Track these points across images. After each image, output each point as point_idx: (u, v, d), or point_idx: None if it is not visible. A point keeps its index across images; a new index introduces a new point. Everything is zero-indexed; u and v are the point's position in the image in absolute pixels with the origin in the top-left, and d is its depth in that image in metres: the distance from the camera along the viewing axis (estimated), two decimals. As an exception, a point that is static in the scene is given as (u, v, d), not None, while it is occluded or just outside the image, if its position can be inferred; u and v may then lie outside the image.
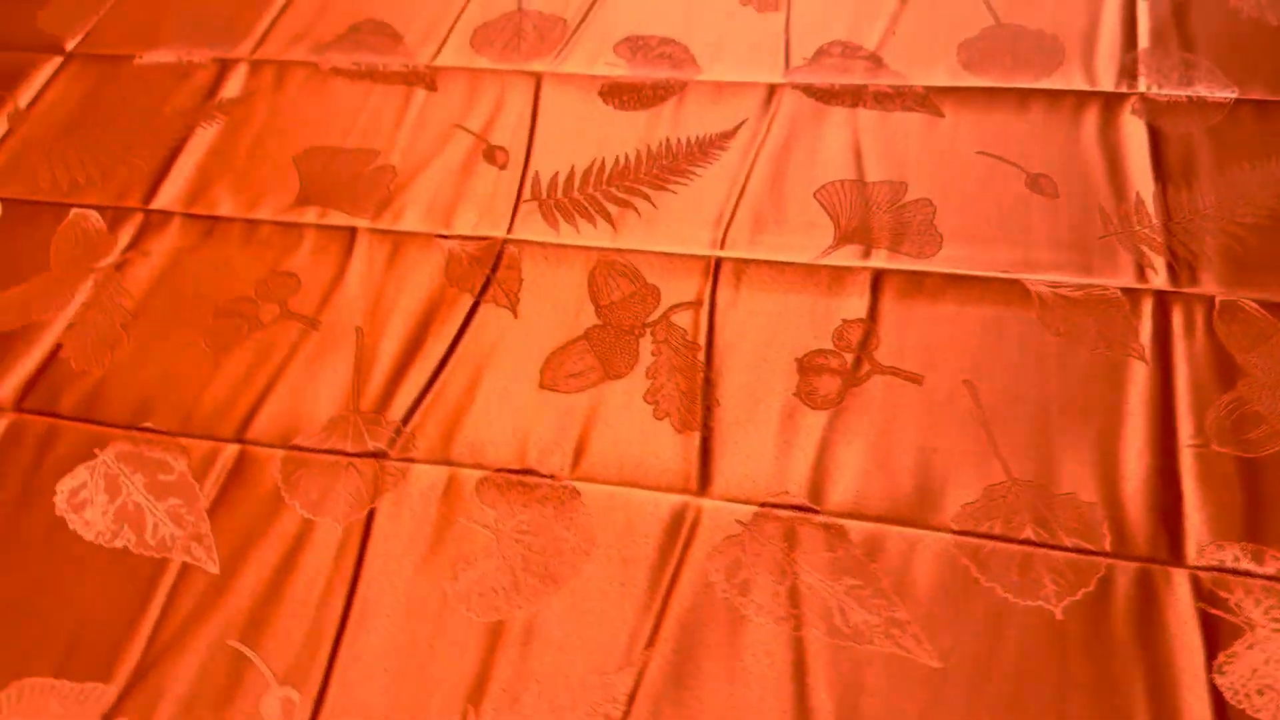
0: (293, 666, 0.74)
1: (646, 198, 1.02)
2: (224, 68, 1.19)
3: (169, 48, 1.22)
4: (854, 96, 1.09)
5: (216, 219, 1.04)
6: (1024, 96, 1.07)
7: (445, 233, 1.01)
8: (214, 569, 0.80)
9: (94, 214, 1.05)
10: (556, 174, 1.05)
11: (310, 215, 1.03)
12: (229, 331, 0.94)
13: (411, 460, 0.85)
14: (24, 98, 1.17)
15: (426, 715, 0.71)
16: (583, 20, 1.21)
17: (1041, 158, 1.01)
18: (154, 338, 0.94)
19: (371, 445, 0.86)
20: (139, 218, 1.04)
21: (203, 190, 1.06)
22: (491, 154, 1.08)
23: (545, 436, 0.85)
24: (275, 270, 0.99)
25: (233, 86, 1.17)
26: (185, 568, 0.80)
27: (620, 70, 1.15)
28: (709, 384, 0.87)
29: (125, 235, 1.03)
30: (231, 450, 0.86)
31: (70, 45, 1.23)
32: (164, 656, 0.75)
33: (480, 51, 1.19)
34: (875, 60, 1.12)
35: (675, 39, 1.18)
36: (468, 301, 0.95)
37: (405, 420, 0.87)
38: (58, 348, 0.94)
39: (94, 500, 0.84)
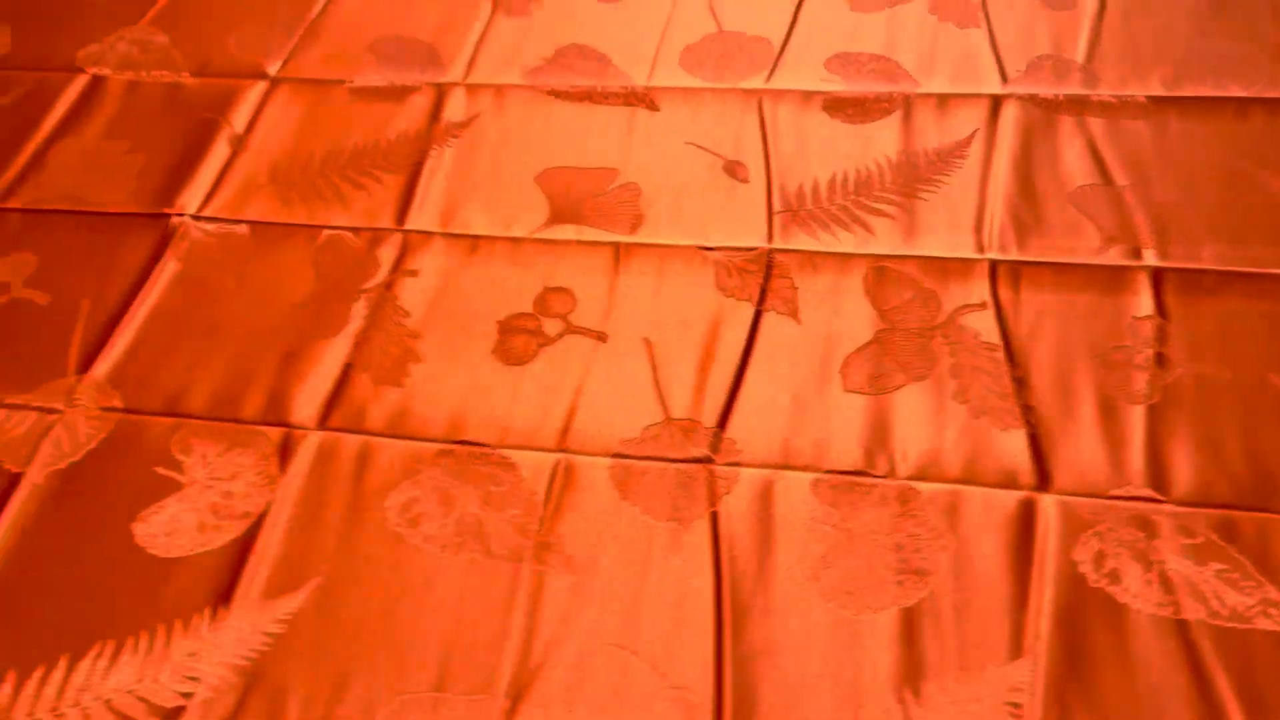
0: (684, 667, 0.74)
1: (899, 206, 1.04)
2: (441, 91, 1.20)
3: (377, 72, 1.23)
4: (1078, 106, 1.12)
5: (478, 238, 1.04)
6: (1242, 105, 1.11)
7: (709, 245, 1.02)
8: (571, 575, 0.80)
9: (349, 234, 1.05)
10: (802, 185, 1.07)
11: (568, 232, 1.04)
12: (519, 346, 0.95)
13: (739, 464, 0.85)
14: (239, 122, 1.17)
15: (860, 702, 0.72)
16: (786, 40, 1.24)
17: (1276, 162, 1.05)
18: (446, 355, 0.95)
19: (695, 451, 0.86)
20: (397, 238, 1.05)
21: (454, 210, 1.07)
22: (732, 169, 1.10)
23: (865, 438, 0.86)
24: (547, 286, 0.99)
25: (454, 110, 1.18)
26: (540, 575, 0.80)
27: (837, 85, 1.17)
28: (1019, 384, 0.89)
29: (386, 255, 1.03)
30: (557, 460, 0.86)
31: (272, 70, 1.24)
32: (544, 665, 0.75)
33: (692, 72, 1.21)
34: (1088, 72, 1.16)
35: (884, 55, 1.21)
36: (748, 310, 0.96)
37: (721, 425, 0.88)
38: (348, 367, 0.94)
39: (429, 514, 0.84)
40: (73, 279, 1.02)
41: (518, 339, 0.96)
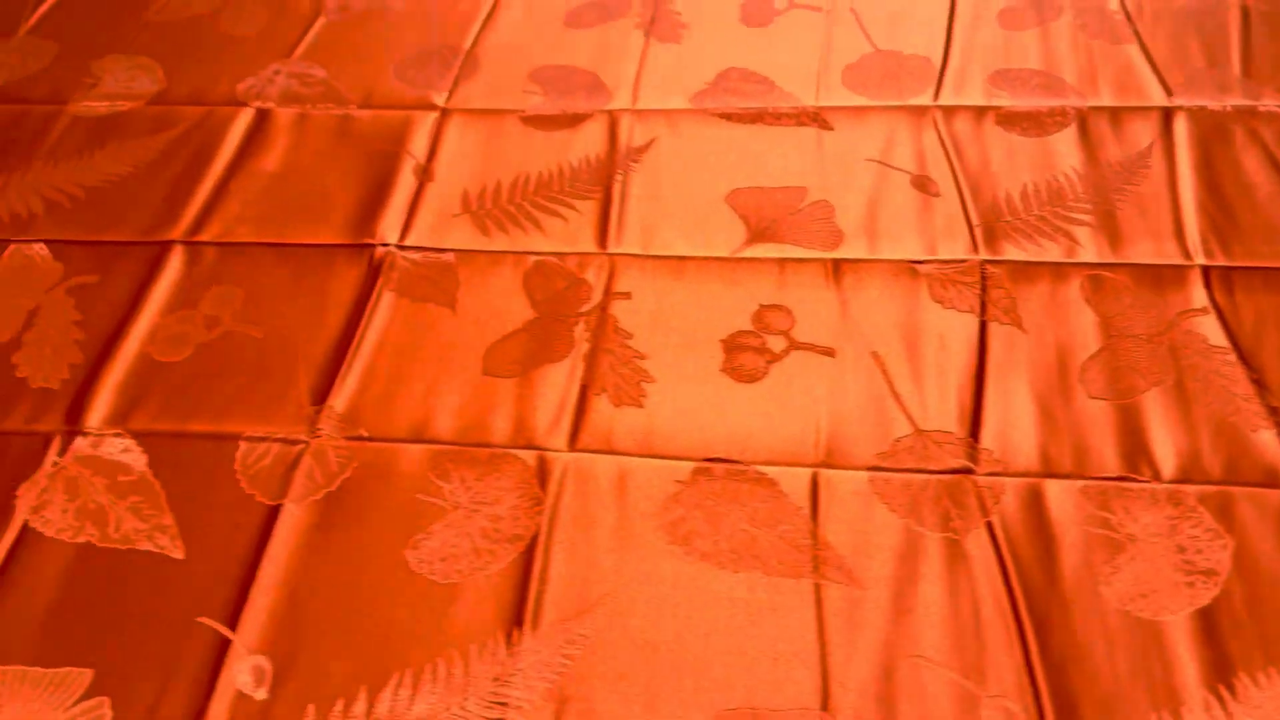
0: (996, 676, 0.74)
1: (1096, 215, 1.06)
2: (612, 118, 1.21)
3: (545, 100, 1.24)
4: (1247, 116, 1.15)
5: (681, 259, 1.05)
6: None
7: (918, 258, 1.03)
8: (851, 588, 0.80)
9: (554, 259, 1.05)
10: (995, 198, 1.09)
11: (769, 250, 1.05)
12: (749, 364, 0.95)
13: (1001, 474, 0.86)
14: (418, 151, 1.18)
15: (1180, 699, 0.72)
16: (945, 57, 1.26)
17: None
18: (677, 374, 0.95)
19: (953, 462, 0.87)
20: (602, 261, 1.05)
21: (652, 232, 1.08)
22: (921, 184, 1.11)
23: (1121, 443, 0.87)
24: (762, 304, 1.00)
25: (630, 135, 1.19)
26: (821, 589, 0.80)
27: (1005, 101, 1.19)
28: (1259, 385, 0.90)
29: (594, 279, 1.04)
30: (813, 474, 0.87)
31: (440, 100, 1.25)
32: (849, 678, 0.75)
33: (858, 91, 1.23)
34: (1247, 83, 1.18)
35: (1044, 70, 1.23)
36: (970, 321, 0.98)
37: (974, 435, 0.89)
38: (584, 389, 0.94)
39: (700, 532, 0.84)
40: (283, 311, 1.02)
41: (745, 356, 0.96)
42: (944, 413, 0.91)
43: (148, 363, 0.97)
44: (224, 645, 0.79)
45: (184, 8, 1.41)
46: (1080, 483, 0.85)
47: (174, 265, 1.06)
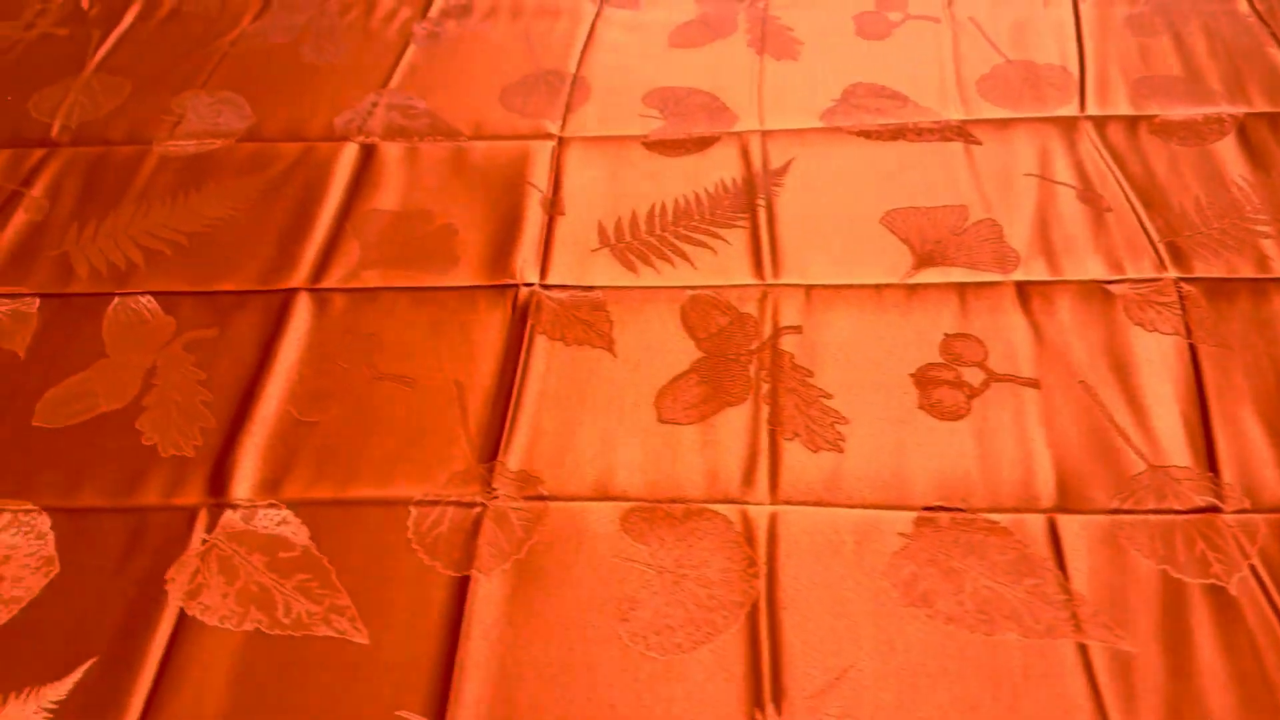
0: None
1: (1278, 225, 1.00)
2: (742, 140, 1.14)
3: (665, 124, 1.17)
4: None
5: (845, 287, 0.98)
6: None
7: (1106, 278, 0.96)
8: (1120, 645, 0.72)
9: (708, 293, 0.98)
10: (1169, 210, 1.03)
11: (942, 275, 0.98)
12: (948, 400, 0.88)
13: (1251, 510, 0.79)
14: (541, 183, 1.10)
15: None
16: (1082, 65, 1.20)
17: None
18: (870, 414, 0.88)
19: (1198, 500, 0.80)
20: (763, 292, 0.98)
21: (808, 260, 1.01)
22: (1089, 198, 1.05)
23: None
24: (947, 333, 0.93)
25: (767, 157, 1.12)
26: (1085, 648, 0.72)
27: (1155, 110, 1.13)
28: None
29: (755, 310, 0.97)
30: (1048, 520, 0.79)
31: (553, 128, 1.17)
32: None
33: (998, 103, 1.17)
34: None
35: (1186, 77, 1.18)
36: (1179, 344, 0.91)
37: (1213, 469, 0.82)
38: (774, 433, 0.86)
39: (938, 590, 0.76)
40: (428, 360, 0.94)
41: (942, 391, 0.89)
42: (1174, 445, 0.84)
43: (290, 422, 0.89)
44: (431, 743, 0.70)
45: (260, 38, 1.33)
46: (1346, 516, 0.78)
47: (301, 315, 0.97)
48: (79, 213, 1.10)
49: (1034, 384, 0.89)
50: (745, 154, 1.13)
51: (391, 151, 1.15)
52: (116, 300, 1.00)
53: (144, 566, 0.79)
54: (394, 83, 1.25)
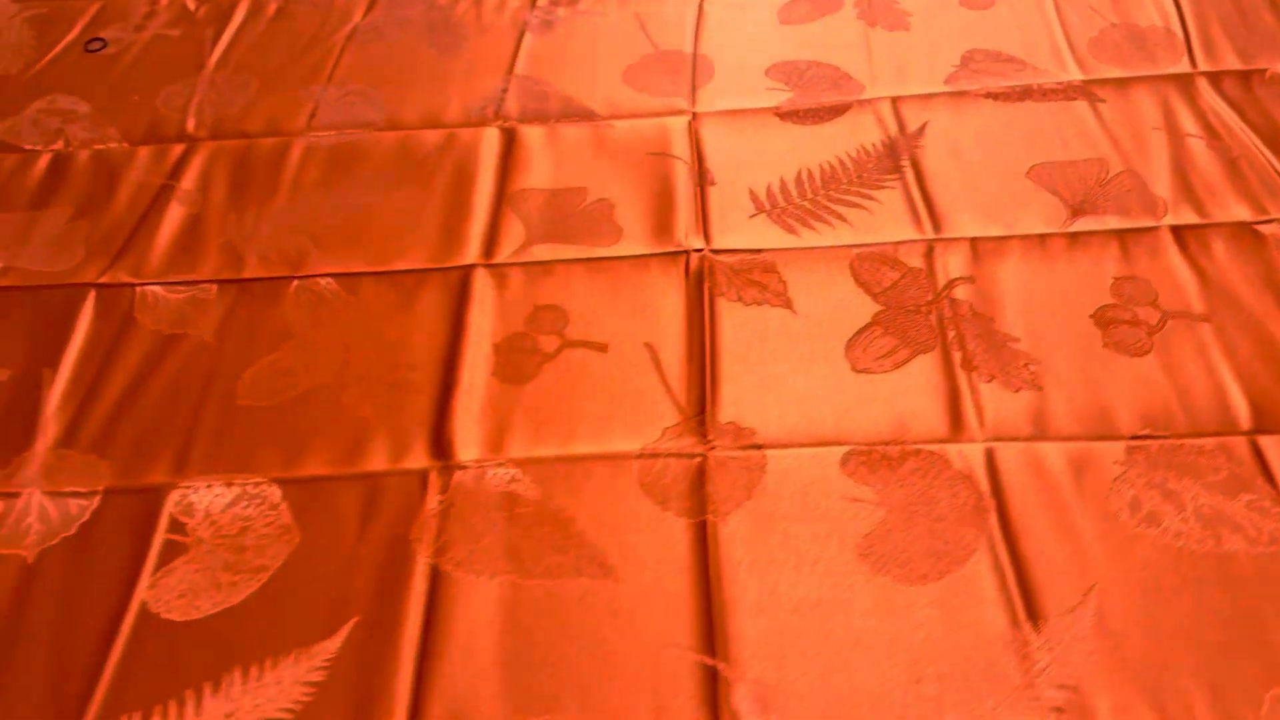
0: None
1: None
2: (873, 106, 1.18)
3: (794, 96, 1.20)
4: None
5: (1009, 238, 1.01)
6: None
7: (1257, 219, 1.01)
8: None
9: (874, 250, 1.01)
10: (1293, 156, 1.07)
11: (1099, 223, 1.02)
12: (1128, 336, 0.92)
13: None
14: (684, 156, 1.13)
15: None
16: (1184, 24, 1.25)
17: None
18: (1059, 354, 0.91)
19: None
20: (927, 247, 1.02)
21: (965, 215, 1.04)
22: (1216, 147, 1.10)
23: None
24: (1116, 276, 0.97)
25: (903, 121, 1.16)
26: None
27: (1264, 64, 1.18)
28: None
29: (922, 263, 1.00)
30: (1256, 441, 0.83)
31: (682, 104, 1.20)
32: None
33: (1111, 63, 1.21)
34: None
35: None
36: (1336, 284, 0.95)
37: None
38: (971, 376, 0.90)
39: (1163, 510, 0.79)
40: (615, 325, 0.97)
41: (1122, 330, 0.93)
42: (1354, 370, 0.88)
43: (498, 390, 0.91)
44: (708, 675, 0.72)
45: (374, 32, 1.35)
46: None
47: (483, 289, 1.00)
48: (235, 203, 1.11)
49: (1206, 319, 0.93)
50: (880, 119, 1.16)
51: (532, 134, 1.18)
52: (296, 283, 1.02)
53: (386, 527, 0.81)
54: (519, 69, 1.27)
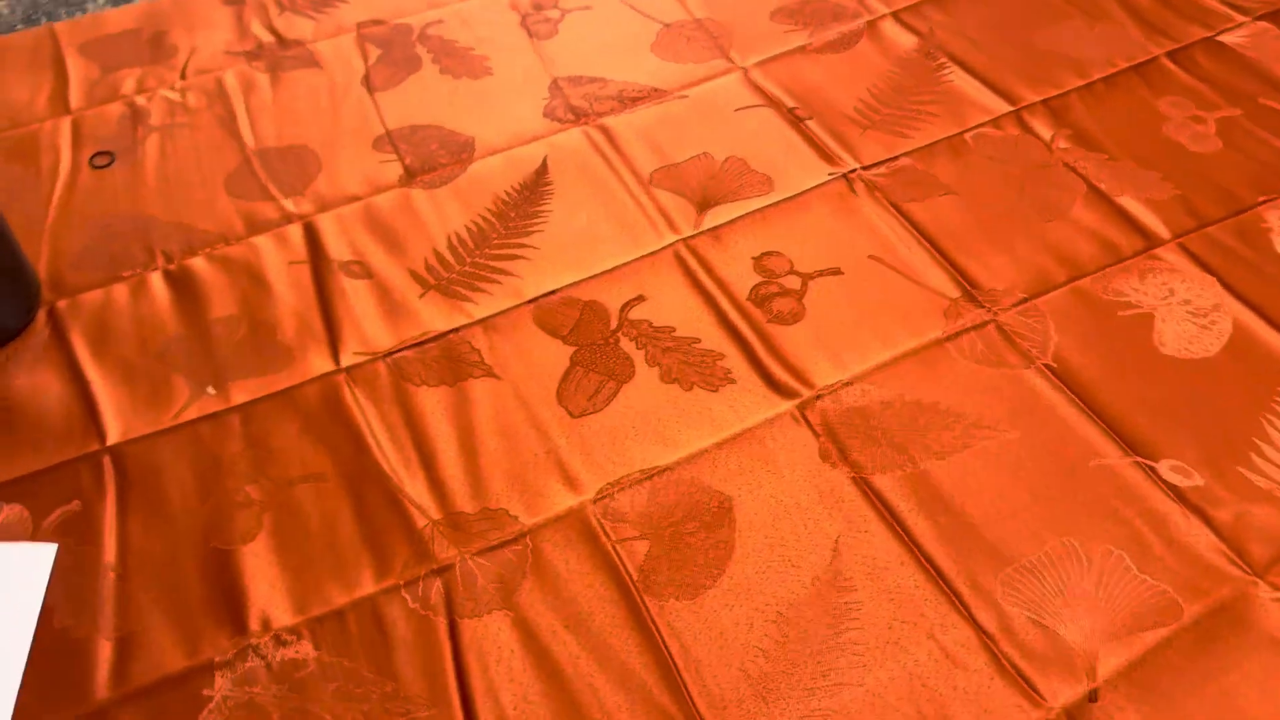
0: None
1: None
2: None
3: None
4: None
5: (639, 260, 1.10)
6: None
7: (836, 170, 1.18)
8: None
9: (562, 295, 1.07)
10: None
11: (721, 215, 1.14)
12: (786, 308, 1.05)
13: None
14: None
15: None
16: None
17: None
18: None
19: None
20: (590, 283, 1.08)
21: (600, 242, 1.12)
22: (789, 117, 1.26)
23: None
24: (754, 256, 1.10)
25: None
26: None
27: (803, 42, 1.37)
28: None
29: (600, 297, 1.06)
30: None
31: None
32: None
33: (676, 61, 1.34)
34: None
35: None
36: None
37: None
38: (679, 382, 0.98)
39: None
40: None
41: (776, 302, 1.05)
42: None
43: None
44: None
45: None
46: None
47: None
48: None
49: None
50: (511, 164, 1.20)
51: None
52: None
53: None
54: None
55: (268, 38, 1.37)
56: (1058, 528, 0.85)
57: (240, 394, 0.97)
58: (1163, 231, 1.07)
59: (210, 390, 0.96)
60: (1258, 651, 0.76)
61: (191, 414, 0.95)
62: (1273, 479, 0.87)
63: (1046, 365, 0.96)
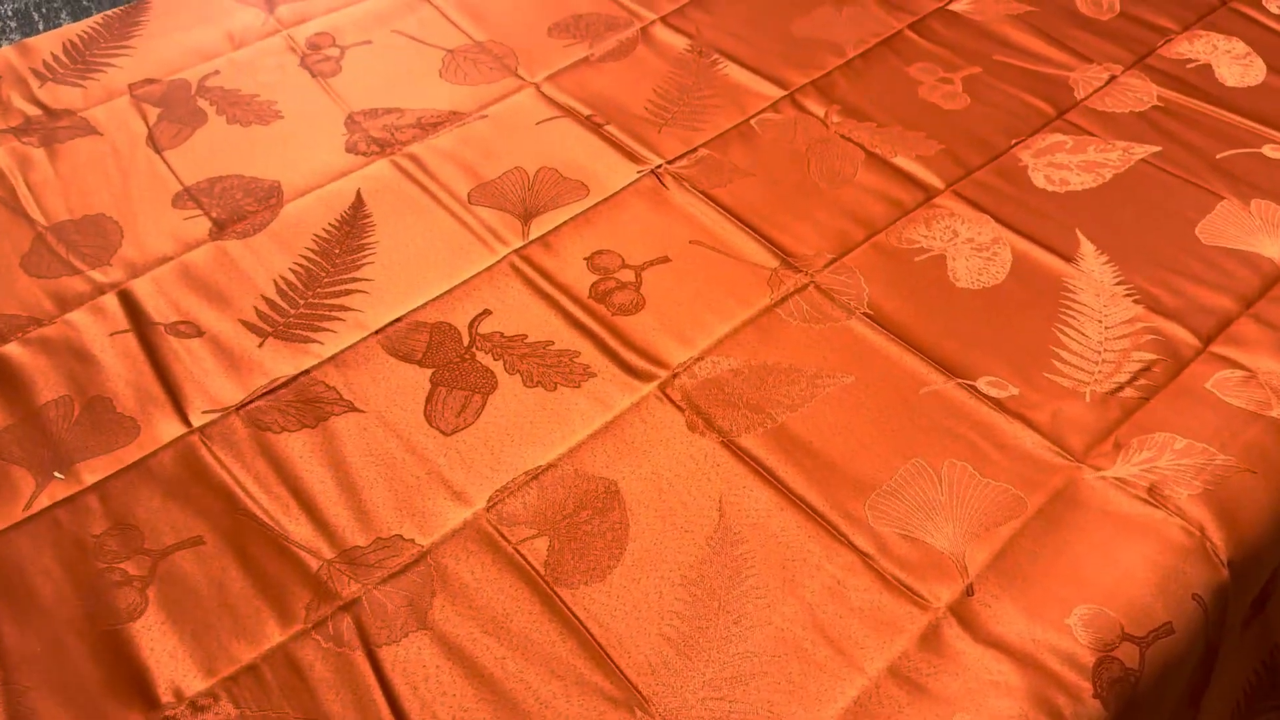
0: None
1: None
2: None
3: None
4: None
5: (481, 273, 1.14)
6: None
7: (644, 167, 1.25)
8: None
9: (402, 325, 1.08)
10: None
11: (543, 224, 1.19)
12: (622, 299, 1.11)
13: None
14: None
15: None
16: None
17: None
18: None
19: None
20: (433, 304, 1.11)
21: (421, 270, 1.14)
22: (587, 123, 1.32)
23: None
24: (585, 256, 1.15)
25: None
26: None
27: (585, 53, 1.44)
28: None
29: (445, 317, 1.09)
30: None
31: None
32: None
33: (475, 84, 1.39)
34: None
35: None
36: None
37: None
38: (541, 383, 1.02)
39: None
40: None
41: (610, 285, 1.11)
42: None
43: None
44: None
45: None
46: None
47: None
48: None
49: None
50: (325, 202, 1.20)
51: None
52: None
53: None
54: None
55: (34, 111, 1.30)
56: (905, 452, 0.94)
57: (91, 473, 0.92)
58: (937, 183, 1.20)
59: (58, 475, 0.91)
60: (1093, 524, 0.88)
61: (43, 502, 0.90)
62: (1074, 378, 1.00)
63: (865, 314, 1.06)
